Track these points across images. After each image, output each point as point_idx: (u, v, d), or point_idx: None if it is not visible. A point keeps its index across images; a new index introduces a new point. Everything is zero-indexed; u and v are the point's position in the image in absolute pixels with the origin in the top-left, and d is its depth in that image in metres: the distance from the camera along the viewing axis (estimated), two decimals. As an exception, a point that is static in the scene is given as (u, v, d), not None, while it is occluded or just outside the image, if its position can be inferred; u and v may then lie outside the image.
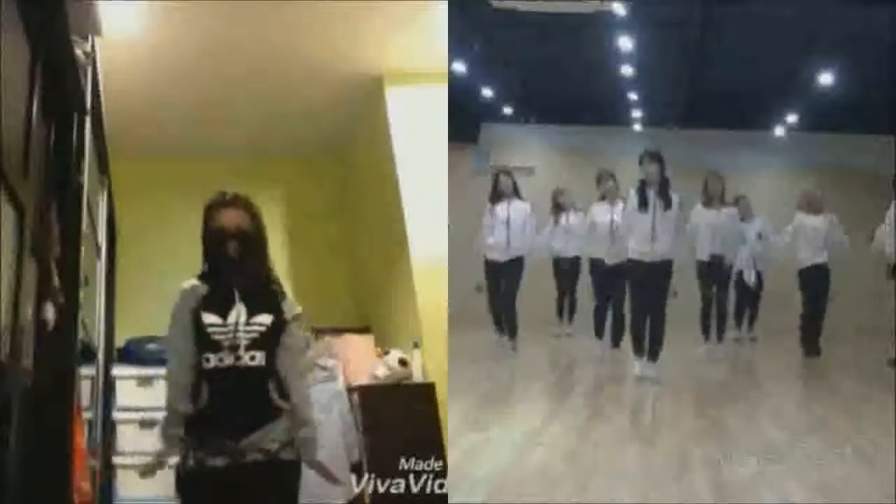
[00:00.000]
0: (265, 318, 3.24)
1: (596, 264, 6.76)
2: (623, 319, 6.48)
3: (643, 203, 5.40)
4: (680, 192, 5.60)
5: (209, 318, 3.21)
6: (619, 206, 6.27)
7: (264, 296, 3.29)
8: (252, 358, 3.17)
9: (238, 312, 3.21)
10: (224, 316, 3.20)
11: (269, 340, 3.22)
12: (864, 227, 6.88)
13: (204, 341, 3.19)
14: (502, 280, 6.51)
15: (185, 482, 3.22)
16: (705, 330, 6.73)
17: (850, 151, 9.76)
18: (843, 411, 4.79)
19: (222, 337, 3.18)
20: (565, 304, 7.81)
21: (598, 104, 9.56)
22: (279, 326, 3.25)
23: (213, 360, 3.17)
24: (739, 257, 7.21)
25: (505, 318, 6.53)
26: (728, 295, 6.96)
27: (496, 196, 6.50)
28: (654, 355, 5.48)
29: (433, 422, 5.39)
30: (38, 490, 2.71)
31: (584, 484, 3.11)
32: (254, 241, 3.32)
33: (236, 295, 3.23)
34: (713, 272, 6.64)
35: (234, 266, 3.27)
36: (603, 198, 6.73)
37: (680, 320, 6.60)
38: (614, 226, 6.34)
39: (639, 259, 5.46)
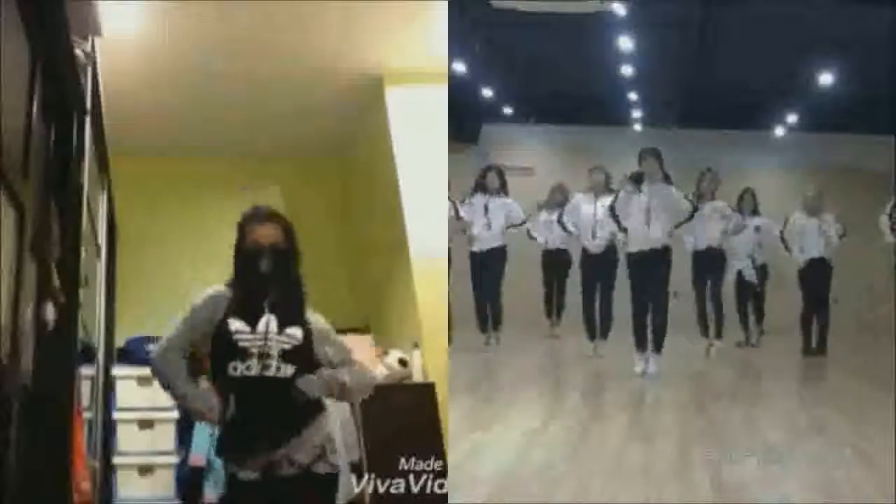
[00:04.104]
0: (296, 331, 3.25)
1: (584, 254, 6.69)
2: (610, 310, 6.48)
3: (637, 190, 5.47)
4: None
5: (236, 325, 3.20)
6: (606, 199, 6.16)
7: (293, 307, 3.30)
8: (279, 369, 3.16)
9: (268, 321, 3.21)
10: (252, 324, 3.20)
11: (300, 356, 3.22)
12: (864, 226, 6.89)
13: (230, 348, 3.17)
14: (485, 271, 6.64)
15: (226, 494, 3.26)
16: (701, 327, 6.73)
17: (850, 151, 9.76)
18: (843, 411, 4.79)
19: (250, 344, 3.17)
20: (553, 302, 7.77)
21: (598, 104, 9.57)
22: (309, 340, 3.27)
23: (240, 369, 3.15)
24: (737, 254, 7.17)
25: (490, 310, 6.68)
26: (721, 290, 6.89)
27: (477, 188, 6.68)
28: (657, 348, 5.52)
29: (433, 422, 5.38)
30: (38, 490, 2.71)
31: (584, 484, 3.11)
32: (286, 257, 3.33)
33: (265, 305, 3.24)
34: (704, 267, 6.66)
35: (266, 281, 3.27)
36: (590, 190, 6.66)
37: (680, 319, 6.62)
38: (597, 217, 6.37)
39: (636, 250, 5.52)
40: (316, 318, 3.37)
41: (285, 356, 3.18)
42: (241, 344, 3.16)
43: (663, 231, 5.52)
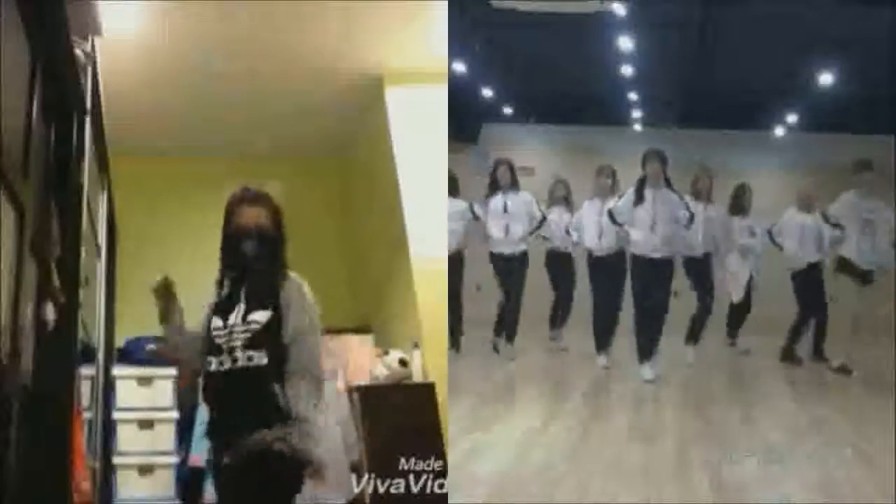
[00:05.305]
0: (261, 316, 3.13)
1: (590, 257, 6.32)
2: (615, 317, 6.13)
3: (641, 199, 5.41)
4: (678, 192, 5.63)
5: (215, 322, 3.20)
6: (610, 202, 5.88)
7: (266, 293, 3.19)
8: (249, 358, 3.09)
9: (237, 313, 3.17)
10: (226, 318, 3.18)
11: (266, 338, 3.10)
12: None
13: (207, 345, 3.20)
14: (509, 277, 6.25)
15: (214, 478, 3.28)
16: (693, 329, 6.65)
17: (850, 151, 9.74)
18: (843, 411, 4.79)
19: (221, 340, 3.15)
20: (559, 309, 7.30)
21: (598, 104, 9.57)
22: (277, 322, 3.13)
23: (213, 364, 3.15)
24: (751, 253, 7.10)
25: (507, 322, 6.31)
26: (713, 292, 6.79)
27: (492, 188, 6.28)
28: (654, 348, 5.50)
29: (433, 422, 5.38)
30: (38, 490, 2.71)
31: (584, 484, 3.11)
32: (272, 240, 3.28)
33: (241, 295, 3.20)
34: (697, 269, 6.59)
35: (249, 265, 3.24)
36: (596, 195, 6.29)
37: (680, 321, 6.61)
38: (603, 222, 6.00)
39: (641, 255, 5.47)
40: (290, 293, 3.19)
41: (250, 343, 3.10)
42: (216, 341, 3.16)
43: (667, 242, 5.48)
